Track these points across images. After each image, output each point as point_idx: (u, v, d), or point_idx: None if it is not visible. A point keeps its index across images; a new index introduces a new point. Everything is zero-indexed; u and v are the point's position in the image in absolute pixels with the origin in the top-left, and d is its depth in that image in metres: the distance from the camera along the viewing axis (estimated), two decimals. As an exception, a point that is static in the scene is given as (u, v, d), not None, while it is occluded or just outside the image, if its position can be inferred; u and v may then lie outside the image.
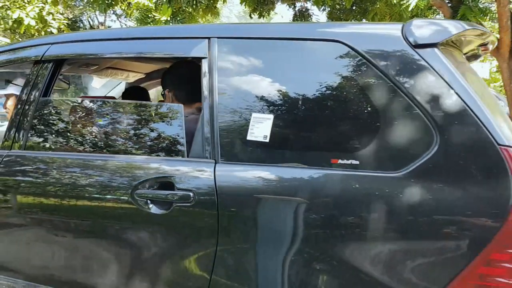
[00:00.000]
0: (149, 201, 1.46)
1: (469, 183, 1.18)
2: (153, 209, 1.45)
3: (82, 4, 12.34)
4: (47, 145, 1.76)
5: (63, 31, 7.83)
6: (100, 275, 1.58)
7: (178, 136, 1.55)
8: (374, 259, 1.25)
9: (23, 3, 7.38)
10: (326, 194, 1.31)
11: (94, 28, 12.87)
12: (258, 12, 7.53)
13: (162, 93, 2.01)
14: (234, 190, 1.39)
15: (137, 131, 1.65)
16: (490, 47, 1.68)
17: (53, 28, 7.58)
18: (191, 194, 1.41)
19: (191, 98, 1.86)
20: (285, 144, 1.40)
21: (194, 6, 5.91)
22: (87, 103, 1.82)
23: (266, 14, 7.54)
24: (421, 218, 1.20)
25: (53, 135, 1.78)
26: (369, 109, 1.31)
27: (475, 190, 1.18)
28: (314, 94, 1.38)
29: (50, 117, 1.79)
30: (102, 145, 1.69)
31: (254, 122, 1.41)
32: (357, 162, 1.29)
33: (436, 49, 1.28)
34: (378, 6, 6.30)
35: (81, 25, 12.99)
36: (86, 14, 12.66)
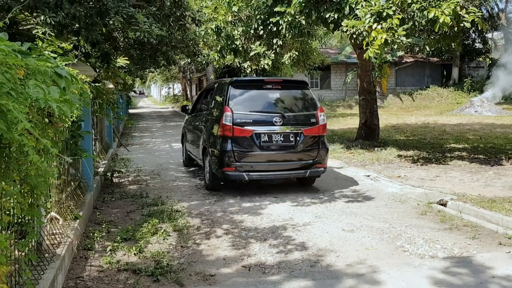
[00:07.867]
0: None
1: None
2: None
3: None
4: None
5: (477, 24, 7.66)
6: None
7: None
8: None
9: (438, 2, 7.69)
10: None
11: (492, 16, 12.12)
12: None
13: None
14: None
15: None
16: None
17: (466, 22, 7.54)
18: None
19: None
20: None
21: None
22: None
23: None
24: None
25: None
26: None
27: None
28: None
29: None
30: None
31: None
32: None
33: (230, 85, 7.49)
34: None
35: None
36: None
